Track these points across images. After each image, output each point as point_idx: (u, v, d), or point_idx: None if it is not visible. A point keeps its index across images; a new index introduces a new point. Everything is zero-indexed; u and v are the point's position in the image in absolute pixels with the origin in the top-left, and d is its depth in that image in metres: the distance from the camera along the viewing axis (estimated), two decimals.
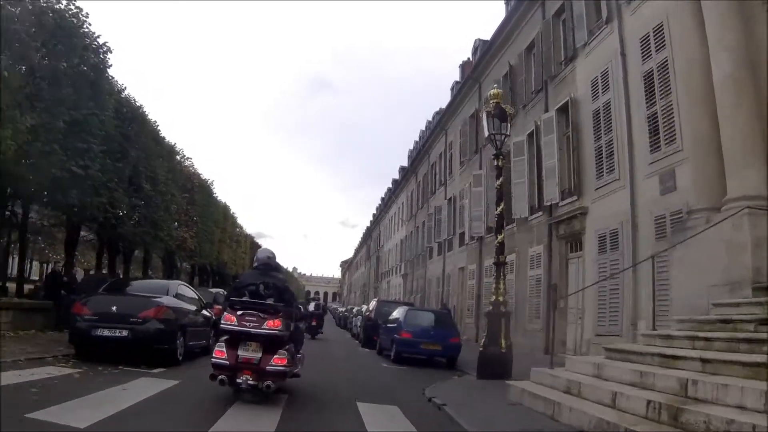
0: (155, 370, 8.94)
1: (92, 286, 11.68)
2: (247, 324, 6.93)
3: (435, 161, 34.09)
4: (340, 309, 51.83)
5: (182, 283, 13.41)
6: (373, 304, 21.92)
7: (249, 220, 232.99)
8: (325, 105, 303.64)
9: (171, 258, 25.91)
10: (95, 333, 9.20)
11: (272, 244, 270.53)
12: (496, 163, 12.17)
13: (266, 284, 7.36)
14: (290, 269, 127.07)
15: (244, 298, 7.22)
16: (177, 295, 11.23)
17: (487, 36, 24.61)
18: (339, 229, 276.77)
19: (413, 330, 14.75)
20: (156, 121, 19.36)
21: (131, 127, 17.04)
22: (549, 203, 16.87)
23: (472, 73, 26.03)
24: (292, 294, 7.80)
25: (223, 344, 6.95)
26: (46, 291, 15.50)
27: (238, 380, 6.78)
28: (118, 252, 19.57)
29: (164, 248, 20.73)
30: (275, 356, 6.89)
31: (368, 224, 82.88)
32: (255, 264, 7.88)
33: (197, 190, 24.61)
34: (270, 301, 7.26)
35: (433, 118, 37.79)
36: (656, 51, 12.53)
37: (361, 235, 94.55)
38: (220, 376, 6.78)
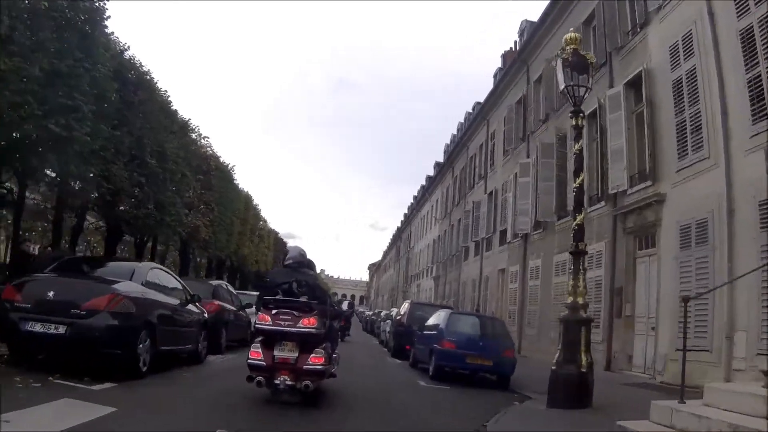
0: (97, 387, 6.61)
1: (46, 266, 8.53)
2: (282, 323, 6.89)
3: (474, 153, 31.76)
4: (367, 312, 49.74)
5: (157, 266, 10.53)
6: (405, 307, 18.94)
7: (279, 221, 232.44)
8: (350, 107, 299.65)
9: (186, 249, 24.06)
10: (25, 327, 6.88)
11: (301, 245, 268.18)
12: (574, 123, 9.80)
13: (299, 282, 7.36)
14: (318, 271, 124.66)
15: (277, 297, 7.18)
16: (147, 283, 8.43)
17: (535, 17, 22.36)
18: (368, 231, 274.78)
19: (458, 340, 11.87)
20: (167, 91, 17.45)
21: (136, 94, 15.15)
22: (614, 191, 14.47)
23: (519, 56, 23.69)
24: (324, 291, 7.91)
25: (259, 345, 6.94)
26: (10, 273, 13.18)
27: (276, 381, 6.78)
28: (120, 239, 17.59)
29: (173, 235, 18.74)
30: (312, 355, 6.87)
31: (398, 225, 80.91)
32: (286, 261, 7.82)
33: (215, 174, 22.68)
34: (304, 299, 7.20)
35: (473, 108, 35.48)
36: (756, 4, 10.17)
37: (391, 237, 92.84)
38: (257, 378, 6.78)
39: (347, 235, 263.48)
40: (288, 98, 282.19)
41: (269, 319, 6.94)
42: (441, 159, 48.18)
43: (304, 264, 7.80)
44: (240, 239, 29.18)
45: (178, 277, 10.64)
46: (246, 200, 30.09)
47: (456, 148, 37.73)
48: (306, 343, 6.90)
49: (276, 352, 6.83)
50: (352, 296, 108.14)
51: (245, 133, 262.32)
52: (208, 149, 22.63)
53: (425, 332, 13.67)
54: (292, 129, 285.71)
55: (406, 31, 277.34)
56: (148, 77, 16.38)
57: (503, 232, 24.16)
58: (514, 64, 24.53)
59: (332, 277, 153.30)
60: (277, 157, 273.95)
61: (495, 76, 30.21)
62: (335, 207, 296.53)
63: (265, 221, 38.27)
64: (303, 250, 7.98)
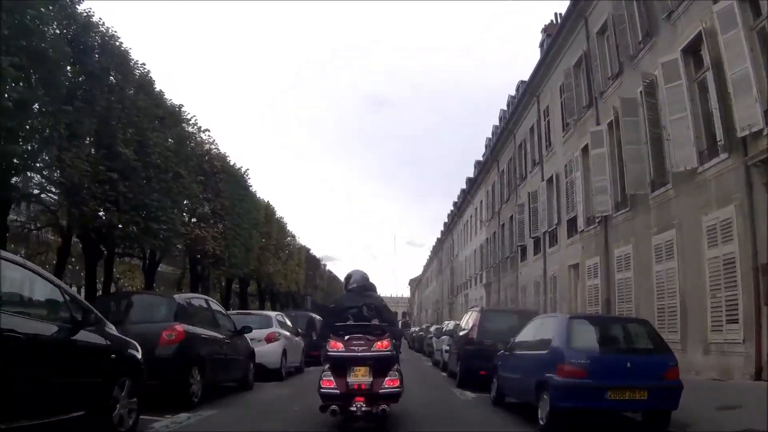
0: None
1: None
2: (356, 348, 6.87)
3: (524, 139, 27.86)
4: (413, 328, 45.86)
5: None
6: (472, 317, 14.32)
7: (317, 244, 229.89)
8: (384, 122, 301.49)
9: (195, 267, 20.70)
10: None
11: (341, 267, 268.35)
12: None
13: (368, 305, 7.35)
14: None
15: (348, 323, 7.15)
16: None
17: None
18: (406, 248, 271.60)
19: (590, 362, 7.15)
20: (144, 64, 14.17)
21: (99, 62, 11.89)
22: (744, 133, 10.48)
23: (574, 8, 19.86)
24: (391, 313, 7.89)
25: (329, 373, 6.85)
26: None
27: (352, 408, 6.65)
28: (98, 254, 14.18)
29: (165, 247, 15.32)
30: (387, 378, 6.84)
31: (438, 236, 77.04)
32: (350, 286, 7.79)
33: (222, 177, 19.35)
34: (375, 322, 7.22)
35: (518, 90, 31.64)
36: None
37: (431, 249, 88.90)
38: (332, 407, 6.70)
39: (385, 254, 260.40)
40: (315, 120, 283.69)
41: (342, 345, 6.92)
42: (481, 158, 44.38)
43: (367, 287, 7.80)
44: (262, 255, 25.77)
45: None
46: (267, 211, 26.72)
47: (500, 139, 33.87)
48: (379, 366, 6.86)
49: (350, 379, 6.76)
50: (404, 313, 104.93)
51: (279, 160, 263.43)
52: (212, 147, 19.31)
53: (521, 353, 9.02)
54: (320, 149, 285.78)
55: (432, 41, 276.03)
56: (122, 48, 13.19)
57: (572, 222, 20.18)
58: (567, 21, 20.71)
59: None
60: (307, 181, 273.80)
61: (541, 45, 26.40)
62: (371, 227, 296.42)
63: (293, 236, 34.93)
64: (365, 273, 7.99)
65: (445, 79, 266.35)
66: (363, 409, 6.65)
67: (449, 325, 20.44)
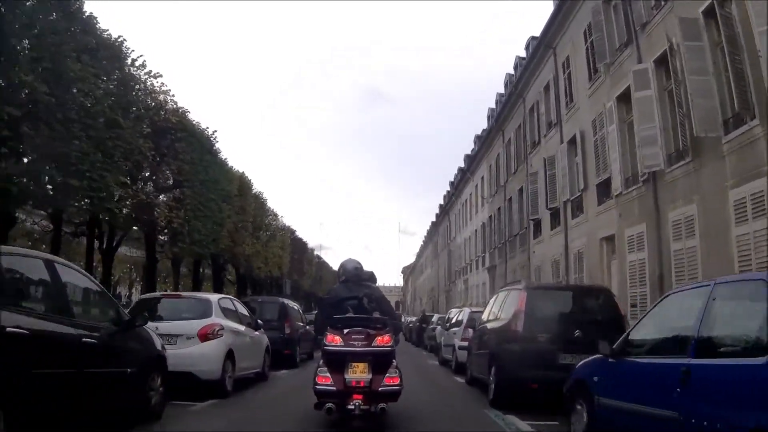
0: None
1: None
2: (356, 343, 6.60)
3: (536, 101, 24.59)
4: (410, 319, 42.65)
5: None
6: (513, 300, 9.80)
7: (310, 234, 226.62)
8: (378, 116, 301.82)
9: (151, 243, 17.44)
10: None
11: (333, 256, 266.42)
12: None
13: (369, 297, 7.11)
14: None
15: (348, 315, 6.88)
16: None
17: None
18: (398, 237, 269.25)
19: None
20: None
21: None
22: None
23: None
24: (390, 305, 7.65)
25: (326, 368, 6.54)
26: None
27: (350, 406, 6.39)
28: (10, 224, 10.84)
29: (86, 210, 12.02)
30: (387, 376, 6.55)
31: (433, 219, 73.94)
32: (342, 277, 7.49)
33: (181, 136, 16.04)
34: (376, 315, 6.98)
35: (528, 47, 28.35)
36: None
37: (425, 233, 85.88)
38: (327, 405, 6.47)
39: (377, 242, 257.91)
40: (306, 113, 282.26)
41: (340, 339, 6.63)
42: (480, 132, 41.21)
43: (362, 278, 7.44)
44: (237, 234, 22.53)
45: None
46: (242, 184, 23.45)
47: (506, 106, 30.59)
48: (379, 363, 6.58)
49: (348, 375, 6.45)
50: (397, 303, 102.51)
51: (278, 155, 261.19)
52: (167, 99, 15.99)
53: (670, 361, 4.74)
54: (318, 144, 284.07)
55: (425, 33, 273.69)
56: None
57: (604, 185, 17.02)
58: None
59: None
60: (302, 171, 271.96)
61: None
62: (362, 216, 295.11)
63: (275, 215, 31.60)
64: (358, 263, 7.56)
65: (442, 77, 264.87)
66: (361, 407, 6.38)
67: (459, 314, 17.25)
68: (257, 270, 27.36)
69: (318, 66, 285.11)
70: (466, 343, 13.42)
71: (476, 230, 39.07)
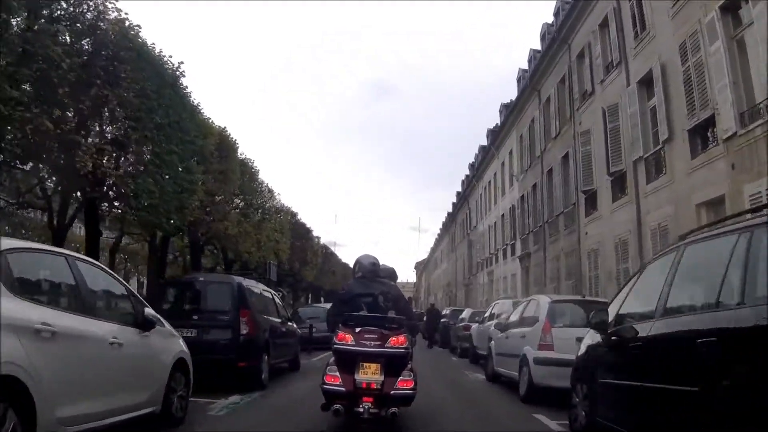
0: None
1: None
2: (368, 343, 6.29)
3: (587, 43, 20.03)
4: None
5: None
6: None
7: (323, 232, 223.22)
8: (387, 110, 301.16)
9: (90, 207, 13.16)
10: None
11: (346, 253, 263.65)
12: None
13: (385, 294, 6.85)
14: None
15: (361, 313, 6.63)
16: None
17: None
18: (410, 234, 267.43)
19: None
20: None
21: None
22: None
23: None
24: (408, 303, 7.43)
25: (335, 368, 6.30)
26: None
27: (358, 409, 6.09)
28: None
29: None
30: (400, 379, 6.25)
31: (449, 209, 69.59)
32: (358, 273, 7.18)
33: (125, 55, 11.70)
34: (392, 314, 6.67)
35: None
36: None
37: (441, 225, 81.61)
38: (335, 406, 6.15)
39: (389, 239, 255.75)
40: (317, 110, 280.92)
41: (351, 338, 6.34)
42: (508, 101, 36.71)
43: (378, 274, 7.16)
44: (215, 207, 18.28)
45: None
46: (222, 141, 19.15)
47: (543, 60, 26.02)
48: (392, 364, 6.29)
49: (358, 376, 6.18)
50: (409, 298, 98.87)
51: (280, 151, 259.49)
52: (107, 3, 11.65)
53: None
54: (319, 140, 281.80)
55: (435, 31, 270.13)
56: None
57: (701, 129, 12.59)
58: None
59: None
60: (313, 168, 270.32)
61: None
62: (374, 212, 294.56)
63: (270, 191, 27.22)
64: (375, 259, 7.29)
65: (450, 68, 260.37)
66: (371, 410, 6.04)
67: (517, 307, 12.38)
68: (247, 255, 23.04)
69: (323, 60, 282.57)
70: (546, 355, 9.08)
71: (503, 215, 34.63)
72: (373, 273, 7.10)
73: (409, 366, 6.47)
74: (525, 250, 28.29)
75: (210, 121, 18.34)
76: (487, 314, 16.59)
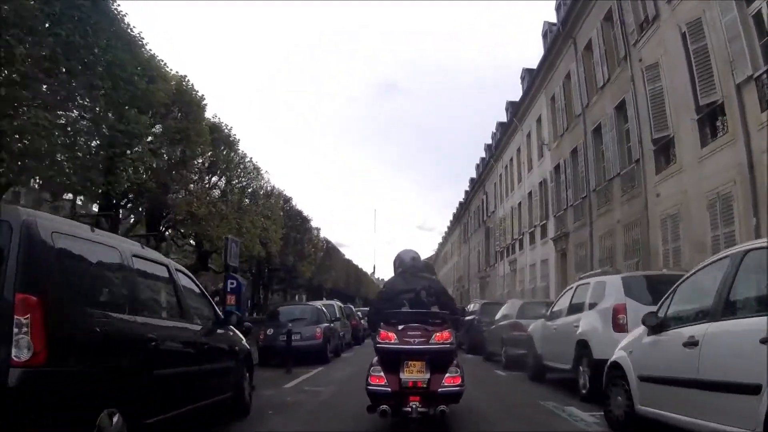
0: None
1: None
2: (412, 340, 6.15)
3: None
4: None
5: None
6: None
7: (330, 232, 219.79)
8: (394, 109, 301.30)
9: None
10: None
11: (352, 252, 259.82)
12: None
13: (427, 289, 6.64)
14: (369, 272, 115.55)
15: (403, 309, 6.47)
16: None
17: None
18: (416, 232, 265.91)
19: None
20: None
21: None
22: None
23: None
24: (451, 298, 7.32)
25: (379, 367, 6.19)
26: None
27: (406, 409, 5.90)
28: None
29: None
30: (447, 375, 6.10)
31: (461, 199, 65.50)
32: (399, 269, 7.05)
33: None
34: (435, 309, 6.55)
35: None
36: None
37: (448, 224, 77.64)
38: (382, 407, 5.97)
39: (396, 238, 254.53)
40: (325, 110, 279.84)
41: (394, 336, 6.21)
42: (532, 66, 32.57)
43: (419, 268, 7.03)
44: (174, 176, 14.32)
45: None
46: (179, 91, 15.22)
47: (574, 5, 21.98)
48: (438, 361, 6.12)
49: (403, 375, 6.03)
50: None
51: (288, 150, 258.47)
52: None
53: None
54: (330, 138, 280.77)
55: (443, 28, 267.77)
56: None
57: None
58: None
59: (382, 279, 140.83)
60: (319, 166, 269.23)
61: None
62: (380, 211, 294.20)
63: (256, 169, 23.15)
64: (415, 253, 7.27)
65: (455, 65, 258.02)
66: (419, 410, 5.87)
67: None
68: (220, 241, 18.98)
69: (322, 59, 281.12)
70: None
71: (530, 193, 30.45)
72: (414, 268, 7.02)
73: (455, 362, 6.31)
74: (561, 229, 24.13)
75: (163, 64, 14.49)
76: (560, 304, 10.76)
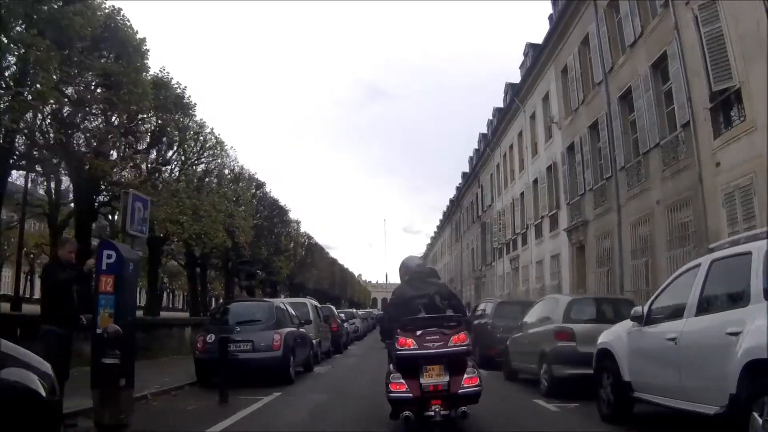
0: None
1: None
2: (431, 345, 6.31)
3: None
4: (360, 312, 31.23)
5: None
6: None
7: (319, 234, 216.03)
8: (380, 112, 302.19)
9: None
10: None
11: (338, 255, 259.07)
12: None
13: (441, 294, 6.92)
14: (356, 276, 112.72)
15: (420, 315, 6.61)
16: None
17: None
18: (402, 235, 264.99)
19: None
20: None
21: None
22: None
23: None
24: (460, 300, 7.46)
25: (398, 374, 6.32)
26: None
27: (429, 413, 6.06)
28: None
29: None
30: (466, 376, 6.29)
31: (451, 196, 62.66)
32: (406, 276, 7.35)
33: None
34: (449, 313, 6.74)
35: None
36: None
37: (440, 218, 74.81)
38: (405, 413, 6.23)
39: (381, 241, 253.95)
40: (315, 111, 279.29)
41: (413, 342, 6.33)
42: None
43: (426, 273, 7.43)
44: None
45: None
46: (103, 16, 12.04)
47: None
48: (456, 363, 6.33)
49: (423, 380, 6.18)
50: (384, 299, 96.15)
51: (276, 152, 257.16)
52: None
53: None
54: (314, 141, 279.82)
55: (430, 32, 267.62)
56: None
57: None
58: None
59: (370, 282, 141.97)
60: (304, 167, 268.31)
61: None
62: (366, 214, 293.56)
63: (222, 144, 19.97)
64: (420, 259, 7.93)
65: (444, 69, 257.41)
66: (441, 413, 6.03)
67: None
68: (169, 228, 15.74)
69: (310, 61, 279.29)
70: None
71: (535, 180, 27.43)
72: (421, 274, 7.27)
73: (471, 363, 6.46)
74: (578, 218, 21.12)
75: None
76: (669, 298, 6.67)
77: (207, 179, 20.10)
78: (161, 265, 28.06)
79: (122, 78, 11.87)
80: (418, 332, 6.33)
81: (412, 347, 6.26)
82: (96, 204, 14.67)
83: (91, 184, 14.10)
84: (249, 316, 12.01)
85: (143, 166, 15.03)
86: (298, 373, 12.70)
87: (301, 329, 13.44)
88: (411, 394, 6.12)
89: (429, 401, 6.06)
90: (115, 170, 13.70)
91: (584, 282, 20.02)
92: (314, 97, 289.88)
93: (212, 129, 18.81)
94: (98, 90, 11.77)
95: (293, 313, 13.71)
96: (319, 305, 19.05)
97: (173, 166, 17.18)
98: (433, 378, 6.14)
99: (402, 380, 6.20)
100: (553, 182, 24.61)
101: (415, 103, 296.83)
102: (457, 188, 58.36)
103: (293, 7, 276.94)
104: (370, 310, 43.90)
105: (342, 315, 25.72)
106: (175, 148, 16.64)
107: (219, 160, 19.84)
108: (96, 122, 12.69)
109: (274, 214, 29.62)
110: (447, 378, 6.14)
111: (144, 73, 13.81)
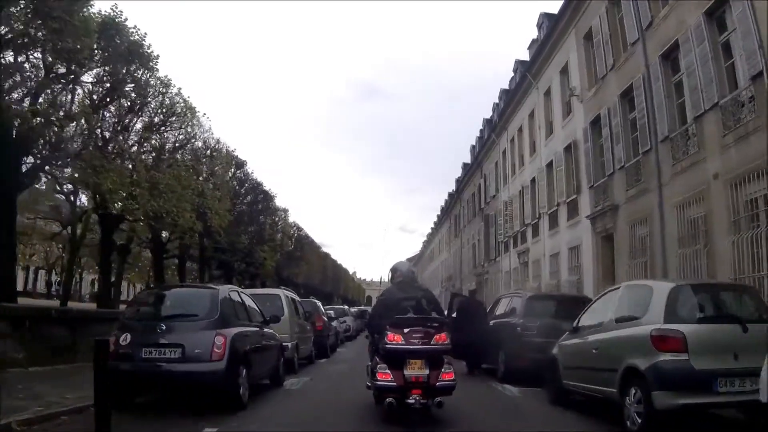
0: None
1: None
2: (416, 341, 7.28)
3: None
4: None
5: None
6: None
7: (316, 233, 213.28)
8: (375, 111, 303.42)
9: None
10: None
11: (332, 253, 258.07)
12: None
13: (428, 298, 7.99)
14: (350, 273, 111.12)
15: (409, 315, 7.56)
16: None
17: None
18: (397, 234, 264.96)
19: None
20: None
21: None
22: None
23: None
24: (441, 308, 8.35)
25: (385, 365, 7.24)
26: None
27: (409, 400, 7.08)
28: None
29: None
30: (443, 371, 7.29)
31: (450, 190, 60.19)
32: (396, 279, 8.35)
33: None
34: (434, 315, 7.77)
35: None
36: None
37: (438, 213, 72.29)
38: (388, 399, 7.19)
39: (377, 239, 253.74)
40: (311, 110, 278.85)
41: (401, 338, 7.27)
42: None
43: (414, 279, 8.74)
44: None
45: None
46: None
47: None
48: (435, 359, 7.32)
49: (407, 372, 7.16)
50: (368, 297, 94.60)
51: (270, 150, 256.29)
52: None
53: None
54: (312, 140, 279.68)
55: (427, 32, 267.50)
56: None
57: None
58: None
59: (365, 280, 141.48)
60: (302, 166, 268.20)
61: None
62: (361, 213, 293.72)
63: (192, 110, 17.32)
64: (411, 265, 9.31)
65: (443, 69, 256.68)
66: (421, 401, 7.07)
67: None
68: (123, 205, 13.14)
69: (304, 60, 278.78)
70: None
71: (549, 163, 24.86)
72: (412, 279, 8.54)
73: (447, 360, 7.50)
74: (604, 202, 18.56)
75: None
76: None
77: (180, 152, 17.56)
78: (129, 253, 25.43)
79: (69, 24, 9.24)
80: (406, 329, 7.29)
81: (399, 342, 7.23)
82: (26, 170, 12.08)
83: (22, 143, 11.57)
84: (180, 309, 8.55)
85: (91, 124, 12.40)
86: (259, 391, 9.72)
87: (265, 328, 10.45)
88: (395, 383, 7.10)
89: (410, 390, 7.08)
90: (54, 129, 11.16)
91: (612, 277, 17.45)
92: (312, 96, 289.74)
93: (180, 90, 16.24)
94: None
95: (253, 306, 10.45)
96: (298, 298, 15.99)
97: (130, 130, 14.56)
98: (415, 370, 7.15)
99: (388, 371, 7.17)
100: (572, 163, 22.06)
101: (413, 103, 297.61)
102: (457, 180, 55.89)
103: (293, 7, 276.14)
104: (364, 307, 41.44)
105: (330, 312, 23.12)
106: (127, 105, 14.00)
107: (189, 129, 17.23)
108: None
109: (258, 200, 27.02)
110: (427, 371, 7.16)
111: (86, 8, 11.24)
